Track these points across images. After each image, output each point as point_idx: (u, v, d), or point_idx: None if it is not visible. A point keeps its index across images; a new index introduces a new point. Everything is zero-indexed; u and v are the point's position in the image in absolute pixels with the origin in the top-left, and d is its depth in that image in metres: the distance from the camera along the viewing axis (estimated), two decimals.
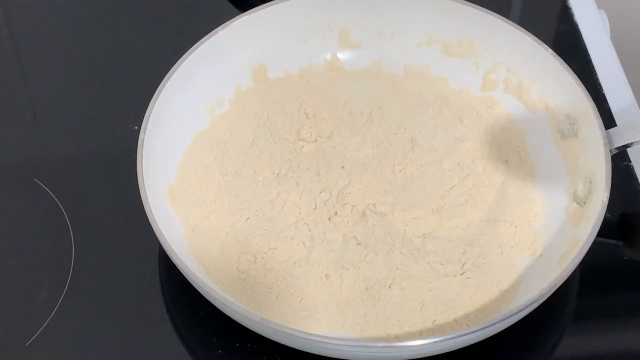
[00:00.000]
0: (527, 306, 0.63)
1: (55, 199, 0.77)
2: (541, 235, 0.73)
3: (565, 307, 0.72)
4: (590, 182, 0.72)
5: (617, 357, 0.71)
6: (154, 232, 0.67)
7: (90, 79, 0.88)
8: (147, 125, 0.72)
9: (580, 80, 0.75)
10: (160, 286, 0.73)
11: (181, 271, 0.66)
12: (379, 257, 0.72)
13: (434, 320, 0.69)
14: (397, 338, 0.68)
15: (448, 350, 0.65)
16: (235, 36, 0.80)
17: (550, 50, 0.77)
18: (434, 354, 0.65)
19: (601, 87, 0.85)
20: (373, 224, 0.74)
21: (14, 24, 0.93)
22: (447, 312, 0.69)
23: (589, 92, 0.75)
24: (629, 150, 0.79)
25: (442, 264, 0.71)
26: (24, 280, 0.74)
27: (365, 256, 0.72)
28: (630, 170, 0.80)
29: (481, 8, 0.81)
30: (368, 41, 0.85)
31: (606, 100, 0.84)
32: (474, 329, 0.63)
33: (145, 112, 0.73)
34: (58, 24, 0.93)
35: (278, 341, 0.66)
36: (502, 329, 0.65)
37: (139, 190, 0.69)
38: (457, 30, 0.83)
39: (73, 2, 0.95)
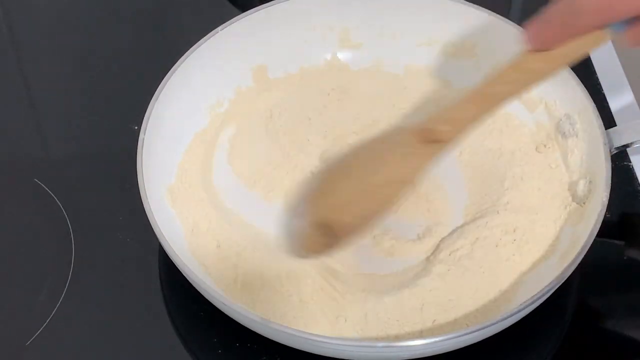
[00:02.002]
0: (527, 306, 0.63)
1: (55, 199, 0.77)
2: (541, 236, 0.73)
3: (565, 307, 0.72)
4: (590, 182, 0.72)
5: (617, 357, 0.71)
6: (154, 232, 0.67)
7: (90, 79, 0.88)
8: (147, 125, 0.72)
9: (580, 80, 0.75)
10: (160, 286, 0.73)
11: (181, 271, 0.66)
12: (379, 257, 0.72)
13: (434, 320, 0.69)
14: (397, 338, 0.68)
15: (448, 350, 0.65)
16: (235, 36, 0.80)
17: None
18: (434, 354, 0.65)
19: (601, 87, 0.85)
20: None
21: (14, 24, 0.94)
22: (447, 312, 0.69)
23: (589, 92, 0.75)
24: (629, 150, 0.79)
25: (441, 265, 0.72)
26: (24, 280, 0.74)
27: (366, 256, 0.73)
28: (630, 170, 0.80)
29: (481, 8, 0.81)
30: (368, 41, 0.85)
31: (606, 100, 0.84)
32: (473, 329, 0.63)
33: (145, 112, 0.73)
34: (58, 24, 0.94)
35: (278, 341, 0.66)
36: (502, 329, 0.65)
37: (139, 190, 0.69)
38: (458, 31, 0.83)
39: (73, 2, 0.95)
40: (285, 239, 0.73)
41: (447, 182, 0.77)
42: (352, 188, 0.68)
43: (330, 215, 0.68)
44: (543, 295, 0.64)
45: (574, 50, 0.60)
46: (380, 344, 0.64)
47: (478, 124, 0.65)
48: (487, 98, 0.64)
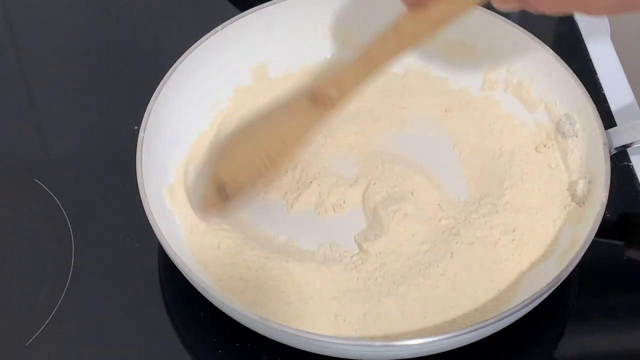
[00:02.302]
0: (525, 306, 0.63)
1: (55, 199, 0.77)
2: (541, 235, 0.73)
3: (565, 307, 0.72)
4: (589, 182, 0.72)
5: (617, 357, 0.71)
6: (153, 232, 0.67)
7: (90, 79, 0.88)
8: (146, 124, 0.72)
9: (580, 80, 0.75)
10: (160, 286, 0.73)
11: (180, 269, 0.66)
12: (379, 257, 0.72)
13: (433, 319, 0.69)
14: (396, 337, 0.68)
15: (446, 350, 0.65)
16: (235, 35, 0.80)
17: (551, 51, 0.77)
18: (433, 353, 0.65)
19: (601, 87, 0.85)
20: (374, 223, 0.75)
21: (14, 24, 0.94)
22: (446, 312, 0.69)
23: (589, 92, 0.75)
24: (629, 150, 0.79)
25: (439, 265, 0.72)
26: (24, 280, 0.74)
27: (366, 256, 0.73)
28: (630, 170, 0.80)
29: (481, 8, 0.81)
30: None
31: (606, 100, 0.84)
32: (471, 329, 0.63)
33: (145, 112, 0.73)
34: (58, 23, 0.93)
35: (277, 340, 0.66)
36: (500, 328, 0.65)
37: (139, 191, 0.69)
38: (458, 30, 0.82)
39: (73, 2, 0.95)
40: (193, 202, 0.75)
41: (446, 182, 0.77)
42: (246, 150, 0.72)
43: (224, 176, 0.72)
44: (541, 295, 0.64)
45: (448, 10, 0.64)
46: (378, 343, 0.64)
47: (362, 86, 0.68)
48: (369, 61, 0.67)
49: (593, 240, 0.66)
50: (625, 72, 0.87)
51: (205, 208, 0.73)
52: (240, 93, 0.82)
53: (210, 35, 0.79)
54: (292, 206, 0.76)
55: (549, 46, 0.78)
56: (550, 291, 0.65)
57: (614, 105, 0.84)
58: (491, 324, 0.63)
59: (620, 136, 0.73)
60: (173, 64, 0.77)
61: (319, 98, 0.68)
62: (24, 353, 0.69)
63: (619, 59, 0.88)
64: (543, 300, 0.66)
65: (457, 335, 0.63)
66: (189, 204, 0.75)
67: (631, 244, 0.76)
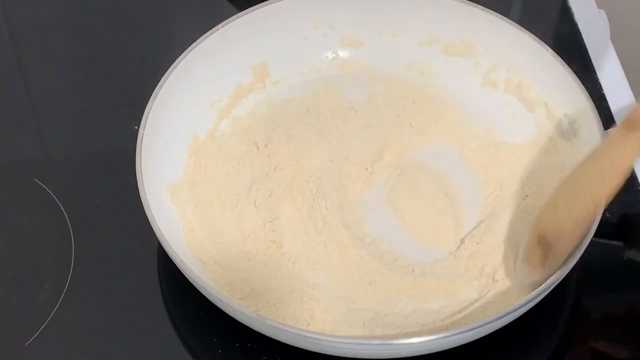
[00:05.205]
0: (522, 306, 0.64)
1: (55, 199, 0.77)
2: None
3: (564, 308, 0.72)
4: None
5: (616, 358, 0.71)
6: (153, 232, 0.67)
7: (90, 79, 0.88)
8: (146, 122, 0.72)
9: (580, 80, 0.75)
10: (160, 286, 0.73)
11: (179, 268, 0.66)
12: (378, 256, 0.72)
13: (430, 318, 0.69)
14: (395, 336, 0.68)
15: (444, 349, 0.65)
16: (235, 33, 0.81)
17: (551, 50, 0.78)
18: (431, 352, 0.65)
19: (601, 87, 0.85)
20: (374, 224, 0.75)
21: (14, 24, 0.94)
22: (442, 312, 0.69)
23: (589, 92, 0.75)
24: None
25: (439, 262, 0.72)
26: (24, 280, 0.74)
27: (366, 255, 0.73)
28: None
29: (482, 7, 0.81)
30: (369, 40, 0.85)
31: (606, 100, 0.84)
32: (469, 327, 0.63)
33: (145, 110, 0.73)
34: (58, 23, 0.93)
35: (276, 339, 0.66)
36: (497, 328, 0.65)
37: (139, 191, 0.69)
38: (458, 30, 0.83)
39: (73, 2, 0.95)
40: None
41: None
42: (567, 198, 0.66)
43: (545, 228, 0.66)
44: (537, 295, 0.64)
45: None
46: (375, 341, 0.64)
47: None
48: None
49: (592, 241, 0.66)
50: (625, 72, 0.87)
51: (529, 262, 0.68)
52: (241, 90, 0.82)
53: (211, 34, 0.79)
54: (290, 204, 0.76)
55: (549, 46, 0.78)
56: (548, 291, 0.65)
57: (614, 105, 0.84)
58: (489, 322, 0.63)
59: None
60: (173, 62, 0.77)
61: (637, 123, 0.63)
62: (24, 353, 0.69)
63: (619, 59, 0.88)
64: (543, 301, 0.66)
65: (456, 334, 0.63)
66: (190, 203, 0.75)
67: (631, 244, 0.76)
